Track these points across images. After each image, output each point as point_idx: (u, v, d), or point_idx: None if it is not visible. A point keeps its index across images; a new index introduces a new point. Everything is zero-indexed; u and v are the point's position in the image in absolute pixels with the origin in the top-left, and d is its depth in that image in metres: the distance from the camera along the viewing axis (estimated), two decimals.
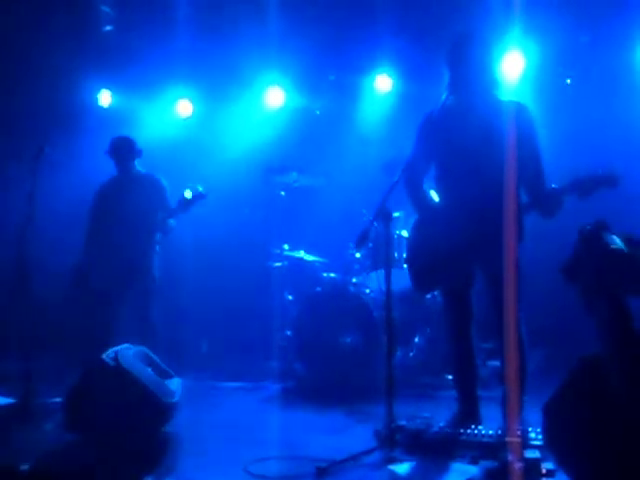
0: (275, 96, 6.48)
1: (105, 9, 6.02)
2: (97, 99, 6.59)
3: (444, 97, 3.47)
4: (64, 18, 5.80)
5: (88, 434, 3.46)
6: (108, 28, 6.11)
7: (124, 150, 5.13)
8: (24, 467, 3.14)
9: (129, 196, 5.08)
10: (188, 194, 4.71)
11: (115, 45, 6.17)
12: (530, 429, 3.13)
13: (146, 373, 3.62)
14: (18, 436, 3.72)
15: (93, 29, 6.05)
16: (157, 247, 5.08)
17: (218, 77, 6.40)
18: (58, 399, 4.30)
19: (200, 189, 4.74)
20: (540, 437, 3.01)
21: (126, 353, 3.62)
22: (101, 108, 6.60)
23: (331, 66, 6.36)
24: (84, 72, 6.19)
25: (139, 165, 5.23)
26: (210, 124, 6.68)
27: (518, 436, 3.06)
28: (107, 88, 6.61)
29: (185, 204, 4.74)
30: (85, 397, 3.46)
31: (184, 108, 6.68)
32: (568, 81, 5.88)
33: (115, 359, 3.47)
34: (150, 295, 5.04)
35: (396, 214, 4.94)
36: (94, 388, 3.45)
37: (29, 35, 5.76)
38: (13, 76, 6.04)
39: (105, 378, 3.44)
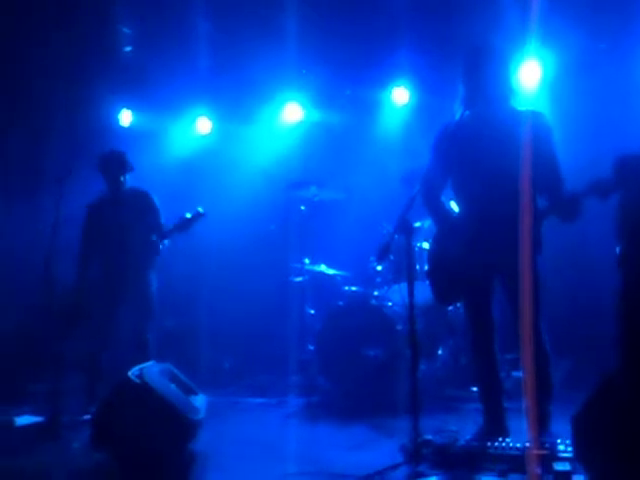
0: (293, 112, 6.52)
1: (125, 30, 6.11)
2: (118, 119, 6.68)
3: (460, 111, 3.47)
4: (84, 39, 5.88)
5: (115, 451, 3.48)
6: (128, 49, 6.19)
7: (114, 165, 4.94)
8: None
9: (121, 214, 4.93)
10: (187, 215, 4.67)
11: (135, 65, 6.24)
12: (559, 441, 3.08)
13: (171, 390, 3.64)
14: (46, 454, 3.75)
15: (113, 50, 6.13)
16: (153, 264, 4.96)
17: (236, 94, 6.46)
18: (86, 417, 4.37)
19: (199, 209, 4.68)
20: (570, 449, 2.96)
21: (151, 370, 3.64)
22: (122, 127, 6.68)
23: (348, 81, 6.38)
24: (105, 92, 6.28)
25: (130, 181, 5.04)
26: (229, 141, 6.74)
27: (545, 448, 3.02)
28: (127, 107, 6.70)
29: (183, 224, 4.68)
30: (111, 415, 3.48)
31: (203, 125, 6.75)
32: None
33: (140, 376, 3.48)
34: (147, 312, 4.90)
35: (417, 224, 4.93)
36: (120, 406, 3.47)
37: (49, 56, 5.86)
38: (34, 98, 6.15)
39: (131, 395, 3.46)
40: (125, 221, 4.91)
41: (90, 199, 5.07)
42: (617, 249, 3.80)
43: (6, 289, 5.88)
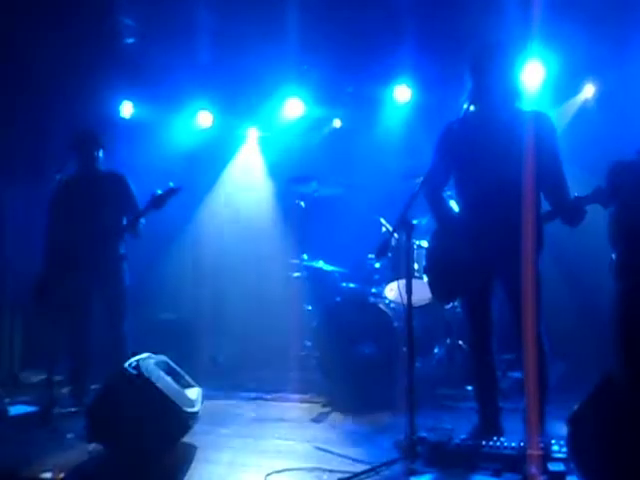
0: (294, 107, 6.51)
1: (127, 21, 6.08)
2: (119, 110, 6.66)
3: (465, 107, 3.46)
4: (86, 30, 5.86)
5: (109, 443, 3.48)
6: (130, 40, 6.16)
7: (88, 141, 4.76)
8: (46, 475, 3.18)
9: (93, 193, 4.72)
10: (158, 191, 4.42)
11: (137, 57, 6.22)
12: (554, 441, 3.09)
13: (167, 382, 3.64)
14: (40, 444, 3.75)
15: (115, 41, 6.11)
16: (124, 251, 4.74)
17: (238, 89, 6.45)
18: (75, 408, 4.38)
19: (171, 184, 4.42)
20: (564, 450, 2.97)
21: (147, 362, 3.64)
22: (123, 119, 6.67)
23: (350, 77, 6.37)
24: (106, 84, 6.25)
25: (102, 161, 4.84)
26: (230, 135, 6.73)
27: (540, 448, 3.02)
28: (129, 99, 6.68)
29: (156, 201, 4.40)
30: (106, 406, 3.48)
31: (204, 119, 6.74)
32: None
33: (137, 368, 3.48)
34: (121, 303, 4.70)
35: (415, 221, 4.92)
36: (116, 397, 3.47)
37: (50, 48, 5.84)
38: (35, 89, 6.13)
39: (127, 387, 3.45)
40: (97, 201, 4.68)
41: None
42: (613, 255, 3.81)
43: (7, 276, 5.90)
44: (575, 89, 5.83)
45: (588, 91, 5.84)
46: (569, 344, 4.90)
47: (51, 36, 5.77)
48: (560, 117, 5.59)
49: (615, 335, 3.76)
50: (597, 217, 3.45)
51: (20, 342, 5.97)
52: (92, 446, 3.51)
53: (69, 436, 3.89)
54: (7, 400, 4.71)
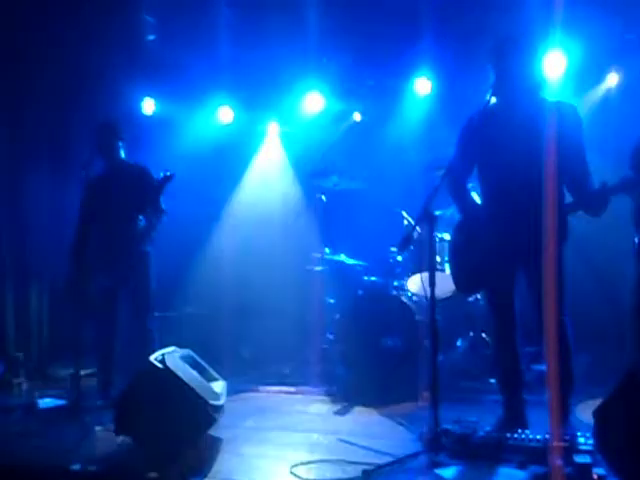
0: (315, 101, 6.51)
1: (148, 18, 6.12)
2: (141, 107, 6.71)
3: (488, 97, 3.44)
4: (107, 28, 5.91)
5: (136, 436, 3.53)
6: (151, 37, 6.20)
7: (107, 136, 4.74)
8: (75, 467, 3.23)
9: (119, 193, 4.72)
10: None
11: (158, 54, 6.25)
12: (579, 434, 3.08)
13: (192, 376, 3.67)
14: (69, 437, 3.81)
15: (137, 38, 6.14)
16: (149, 247, 4.75)
17: (258, 84, 6.46)
18: (100, 402, 4.43)
19: (164, 173, 4.38)
20: (590, 442, 2.95)
21: (173, 356, 3.68)
22: (145, 116, 6.72)
23: (370, 71, 6.36)
24: (128, 81, 6.30)
25: (125, 152, 4.83)
26: (250, 130, 6.75)
27: (565, 441, 3.01)
28: (150, 96, 6.72)
29: (154, 192, 4.43)
30: (134, 399, 3.52)
31: (225, 115, 6.76)
32: None
33: (163, 362, 3.52)
34: (147, 298, 4.74)
35: (438, 212, 4.92)
36: (142, 390, 3.51)
37: (72, 45, 5.90)
38: (58, 86, 6.21)
39: (153, 380, 3.49)
40: (121, 201, 4.68)
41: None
42: (636, 239, 3.77)
43: (32, 269, 5.99)
44: (598, 78, 5.76)
45: (611, 80, 5.77)
46: (595, 335, 4.87)
47: (74, 34, 5.83)
48: (582, 106, 5.53)
49: (635, 320, 3.72)
50: (624, 207, 3.41)
51: (48, 336, 6.06)
52: (120, 439, 3.56)
53: (97, 429, 3.94)
54: (36, 394, 4.79)
